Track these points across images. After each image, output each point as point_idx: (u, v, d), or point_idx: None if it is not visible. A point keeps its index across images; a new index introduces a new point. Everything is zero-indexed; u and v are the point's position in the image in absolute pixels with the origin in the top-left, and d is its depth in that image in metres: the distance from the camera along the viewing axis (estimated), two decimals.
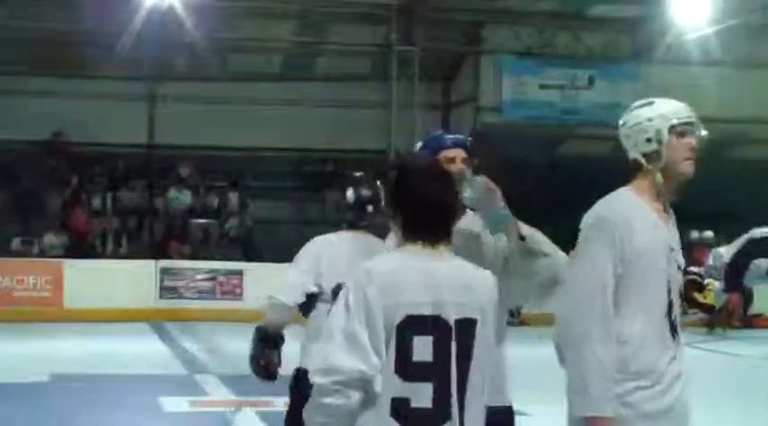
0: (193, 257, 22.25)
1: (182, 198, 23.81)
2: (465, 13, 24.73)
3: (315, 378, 3.29)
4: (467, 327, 3.36)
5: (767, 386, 14.11)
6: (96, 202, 23.96)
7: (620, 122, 4.43)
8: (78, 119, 24.43)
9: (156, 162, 25.30)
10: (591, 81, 25.01)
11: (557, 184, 24.14)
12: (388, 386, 3.28)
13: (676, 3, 22.20)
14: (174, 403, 11.11)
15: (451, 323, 3.34)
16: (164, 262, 21.45)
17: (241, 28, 23.93)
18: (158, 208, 24.04)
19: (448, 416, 3.31)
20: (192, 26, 21.55)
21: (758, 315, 22.88)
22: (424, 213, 3.44)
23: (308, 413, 3.33)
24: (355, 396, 3.25)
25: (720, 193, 23.70)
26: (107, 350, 15.74)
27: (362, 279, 3.32)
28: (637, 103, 4.47)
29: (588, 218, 4.30)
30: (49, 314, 19.62)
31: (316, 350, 3.39)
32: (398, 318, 3.29)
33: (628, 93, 24.97)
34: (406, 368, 3.28)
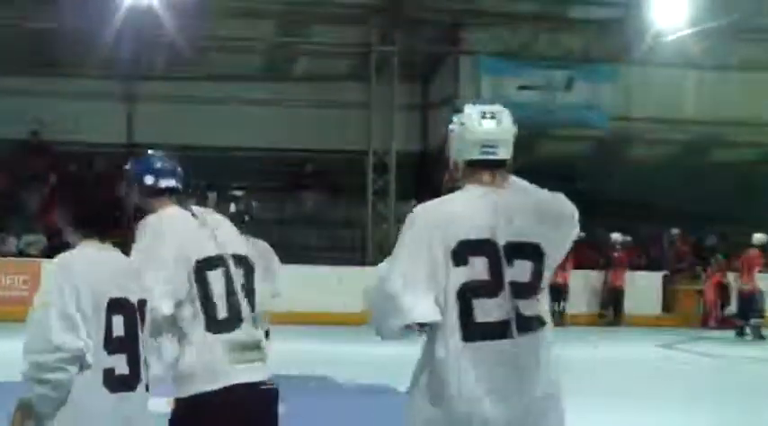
0: None
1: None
2: (444, 14, 24.76)
3: (37, 358, 3.80)
4: (143, 306, 4.04)
5: (744, 385, 14.19)
6: None
7: (506, 122, 4.21)
8: (57, 118, 24.35)
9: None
10: (570, 82, 25.07)
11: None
12: (99, 360, 3.84)
13: (655, 5, 22.29)
14: (154, 404, 11.07)
15: (134, 302, 3.99)
16: None
17: (221, 27, 23.89)
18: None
19: (139, 378, 4.04)
20: (172, 25, 21.49)
21: (736, 316, 22.98)
22: (98, 214, 4.08)
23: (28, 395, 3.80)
24: (74, 370, 3.79)
25: (699, 195, 23.80)
26: None
27: (67, 270, 3.95)
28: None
29: (565, 202, 4.25)
30: (27, 313, 19.53)
31: (30, 335, 3.88)
32: (104, 301, 3.87)
33: (606, 94, 25.13)
34: (110, 343, 3.88)
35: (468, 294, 3.86)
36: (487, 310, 3.86)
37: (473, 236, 3.89)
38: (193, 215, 4.75)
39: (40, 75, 24.27)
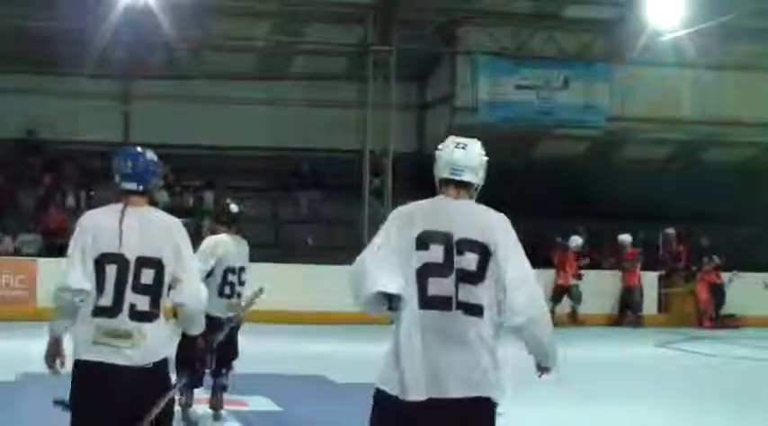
0: None
1: (157, 197, 23.73)
2: (441, 14, 24.75)
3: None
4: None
5: (738, 385, 14.21)
6: (70, 201, 23.86)
7: (474, 153, 5.16)
8: (52, 118, 24.36)
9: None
10: (566, 82, 25.06)
11: (532, 185, 24.21)
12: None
13: (651, 4, 22.28)
14: None
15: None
16: None
17: (217, 27, 23.89)
18: None
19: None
20: (168, 24, 21.46)
21: (730, 316, 23.00)
22: None
23: None
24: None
25: (694, 194, 23.83)
26: None
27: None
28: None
29: (507, 221, 5.04)
30: (22, 313, 19.50)
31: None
32: None
33: (602, 94, 25.13)
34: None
35: (425, 272, 4.87)
36: (438, 287, 4.85)
37: (434, 228, 4.93)
38: (122, 217, 5.51)
39: (37, 74, 24.27)
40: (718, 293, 23.22)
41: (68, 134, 24.37)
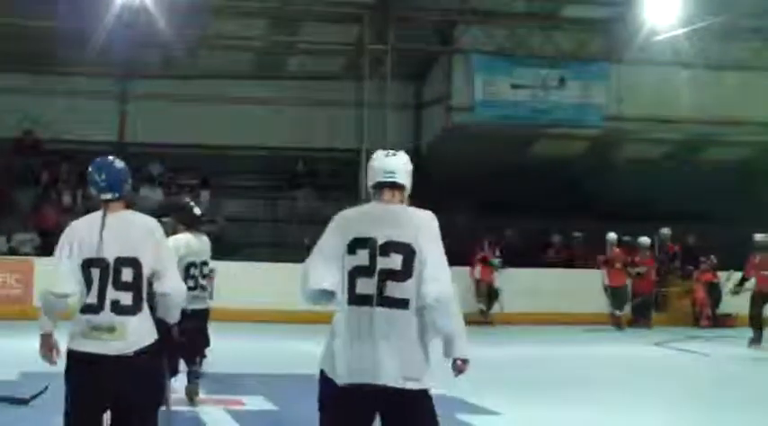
0: None
1: (153, 196, 23.72)
2: (437, 13, 24.75)
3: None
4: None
5: (735, 384, 14.23)
6: (67, 200, 23.85)
7: (403, 160, 5.70)
8: (49, 116, 24.34)
9: (126, 160, 25.16)
10: (562, 81, 25.05)
11: (528, 184, 24.19)
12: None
13: (648, 4, 22.30)
14: None
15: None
16: None
17: (213, 26, 23.88)
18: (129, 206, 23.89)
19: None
20: (164, 23, 21.46)
21: (727, 316, 23.01)
22: None
23: None
24: None
25: (691, 194, 23.83)
26: None
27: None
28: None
29: (432, 220, 5.57)
30: (19, 312, 19.48)
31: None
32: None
33: (599, 93, 25.13)
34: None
35: (354, 274, 5.47)
36: (364, 286, 5.44)
37: (362, 235, 5.50)
38: (103, 223, 6.07)
39: (34, 73, 24.26)
40: (714, 292, 23.24)
41: (65, 133, 24.34)
